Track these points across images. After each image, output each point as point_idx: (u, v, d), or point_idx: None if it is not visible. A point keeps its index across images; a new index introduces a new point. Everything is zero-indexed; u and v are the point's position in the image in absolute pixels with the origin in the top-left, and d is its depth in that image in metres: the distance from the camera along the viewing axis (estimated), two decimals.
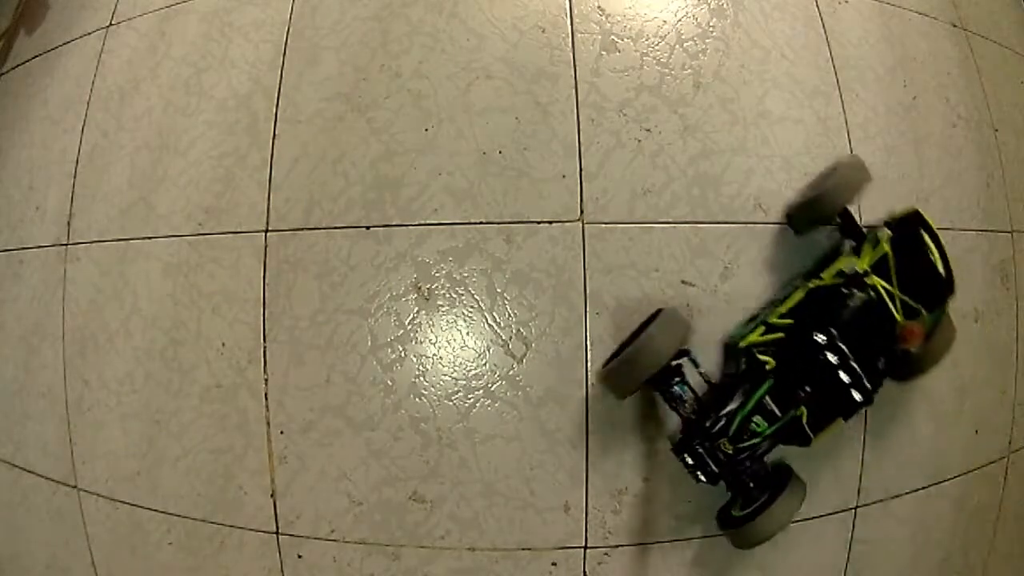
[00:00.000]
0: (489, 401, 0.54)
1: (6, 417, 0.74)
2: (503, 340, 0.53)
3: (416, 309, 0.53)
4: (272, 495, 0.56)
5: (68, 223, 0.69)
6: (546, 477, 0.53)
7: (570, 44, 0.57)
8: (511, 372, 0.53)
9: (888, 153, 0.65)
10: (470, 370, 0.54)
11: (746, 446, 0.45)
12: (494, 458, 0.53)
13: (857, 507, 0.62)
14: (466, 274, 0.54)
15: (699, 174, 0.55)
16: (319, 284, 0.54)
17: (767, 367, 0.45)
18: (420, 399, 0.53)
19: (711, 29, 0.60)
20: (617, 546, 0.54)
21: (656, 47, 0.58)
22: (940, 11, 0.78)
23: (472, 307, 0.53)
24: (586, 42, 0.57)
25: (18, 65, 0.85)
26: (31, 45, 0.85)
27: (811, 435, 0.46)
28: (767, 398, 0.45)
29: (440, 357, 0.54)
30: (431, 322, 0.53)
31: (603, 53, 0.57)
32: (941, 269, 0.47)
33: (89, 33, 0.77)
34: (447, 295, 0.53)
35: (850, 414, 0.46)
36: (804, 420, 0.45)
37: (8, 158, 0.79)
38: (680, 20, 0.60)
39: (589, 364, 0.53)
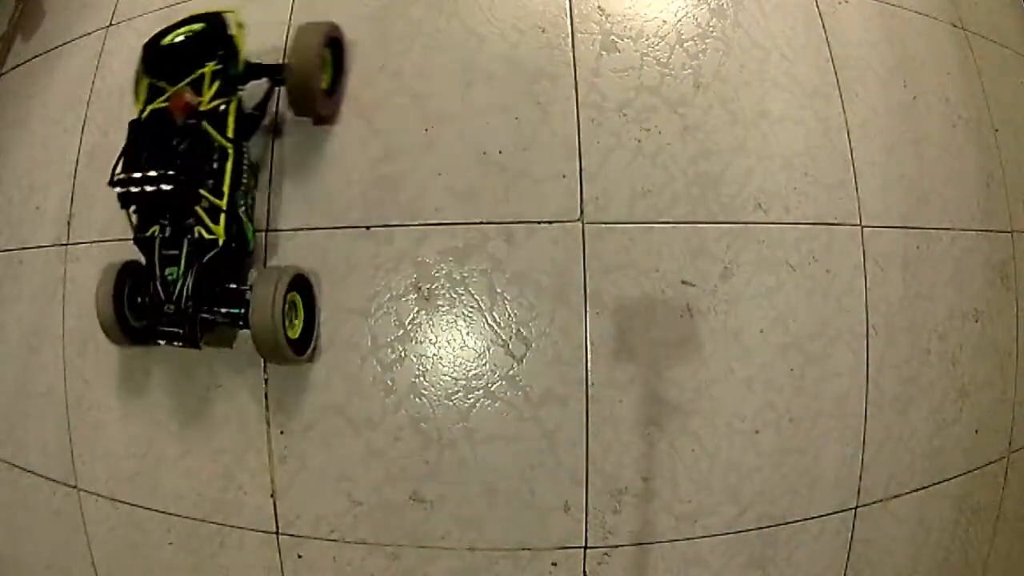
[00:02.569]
0: (489, 401, 0.54)
1: (6, 418, 0.74)
2: (503, 340, 0.53)
3: (416, 309, 0.53)
4: (272, 495, 0.56)
5: (68, 223, 0.69)
6: (546, 477, 0.53)
7: (570, 44, 0.57)
8: (511, 372, 0.53)
9: (888, 153, 0.65)
10: (470, 370, 0.54)
11: None
12: (494, 458, 0.53)
13: (857, 507, 0.62)
14: (466, 274, 0.54)
15: (699, 174, 0.55)
16: (319, 284, 0.54)
17: None
18: (420, 399, 0.53)
19: (711, 29, 0.60)
20: (617, 546, 0.54)
21: (656, 47, 0.58)
22: (940, 11, 0.78)
23: (472, 307, 0.53)
24: (586, 42, 0.57)
25: (18, 65, 0.85)
26: (31, 46, 0.85)
27: None
28: None
29: (440, 357, 0.54)
30: (431, 322, 0.53)
31: (603, 53, 0.57)
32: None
33: (89, 33, 0.77)
34: (447, 295, 0.54)
35: None
36: None
37: (8, 158, 0.79)
38: (680, 20, 0.60)
39: (590, 364, 0.53)
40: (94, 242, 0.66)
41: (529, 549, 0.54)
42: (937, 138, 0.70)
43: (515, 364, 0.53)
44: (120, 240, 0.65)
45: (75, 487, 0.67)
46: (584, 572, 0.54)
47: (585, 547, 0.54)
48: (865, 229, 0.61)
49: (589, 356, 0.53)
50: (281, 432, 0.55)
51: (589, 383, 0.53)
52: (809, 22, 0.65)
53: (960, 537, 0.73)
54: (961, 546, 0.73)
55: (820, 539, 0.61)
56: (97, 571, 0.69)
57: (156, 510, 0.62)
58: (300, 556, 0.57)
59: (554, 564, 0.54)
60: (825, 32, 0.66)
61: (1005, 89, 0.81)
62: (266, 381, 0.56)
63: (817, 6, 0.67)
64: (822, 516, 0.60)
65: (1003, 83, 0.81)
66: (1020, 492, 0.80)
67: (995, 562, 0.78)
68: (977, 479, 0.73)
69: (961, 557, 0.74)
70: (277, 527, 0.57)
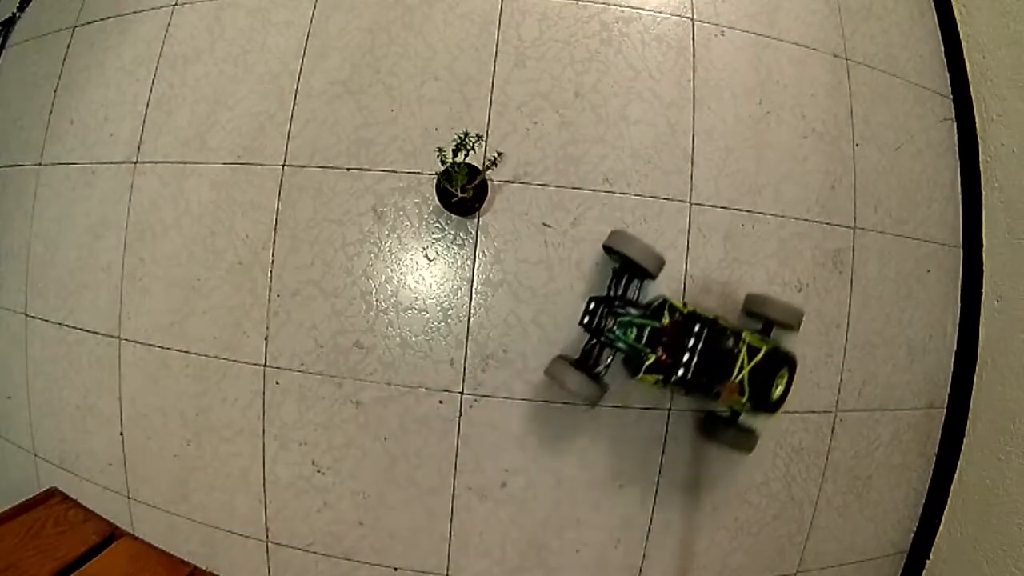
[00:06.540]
0: (411, 284, 1.17)
1: (64, 288, 1.44)
2: (423, 248, 1.16)
3: (372, 222, 1.17)
4: (265, 339, 1.21)
5: (138, 147, 1.38)
6: (440, 339, 1.15)
7: (493, 60, 1.19)
8: (426, 269, 1.16)
9: (727, 152, 1.24)
10: (401, 263, 1.17)
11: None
12: (409, 323, 1.16)
13: (670, 409, 1.21)
14: (406, 204, 1.17)
15: (566, 155, 1.17)
16: (313, 202, 1.19)
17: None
18: (368, 279, 1.17)
19: (597, 54, 1.22)
20: (484, 396, 1.16)
21: (552, 66, 1.20)
22: (822, 43, 1.37)
23: (406, 225, 1.17)
24: (504, 59, 1.20)
25: (92, 22, 1.56)
26: (104, 5, 1.55)
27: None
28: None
29: (382, 254, 1.17)
30: (381, 232, 1.17)
31: (515, 68, 1.20)
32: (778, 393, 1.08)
33: (158, 8, 1.45)
34: (392, 216, 1.17)
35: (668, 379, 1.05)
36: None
37: (85, 95, 1.49)
38: (575, 47, 1.21)
39: (476, 270, 1.15)
40: (159, 162, 1.34)
41: (426, 388, 1.16)
42: (783, 145, 1.28)
43: (428, 264, 1.15)
44: (180, 163, 1.32)
45: (118, 337, 1.35)
46: (460, 410, 1.16)
47: (462, 392, 1.16)
48: (693, 206, 1.20)
49: (476, 265, 1.15)
50: (277, 296, 1.20)
51: (474, 282, 1.15)
52: (681, 51, 1.26)
53: (780, 468, 1.30)
54: (782, 476, 1.30)
55: (638, 425, 1.20)
56: (122, 402, 1.36)
57: (181, 350, 1.28)
58: (278, 383, 1.21)
59: (440, 402, 1.16)
60: (693, 59, 1.26)
61: (880, 111, 1.38)
62: (272, 262, 1.20)
63: (693, 38, 1.27)
64: (639, 408, 1.19)
65: (880, 105, 1.38)
66: (852, 449, 1.36)
67: (824, 507, 1.34)
68: (797, 421, 1.30)
69: (783, 487, 1.31)
70: (265, 361, 1.21)
